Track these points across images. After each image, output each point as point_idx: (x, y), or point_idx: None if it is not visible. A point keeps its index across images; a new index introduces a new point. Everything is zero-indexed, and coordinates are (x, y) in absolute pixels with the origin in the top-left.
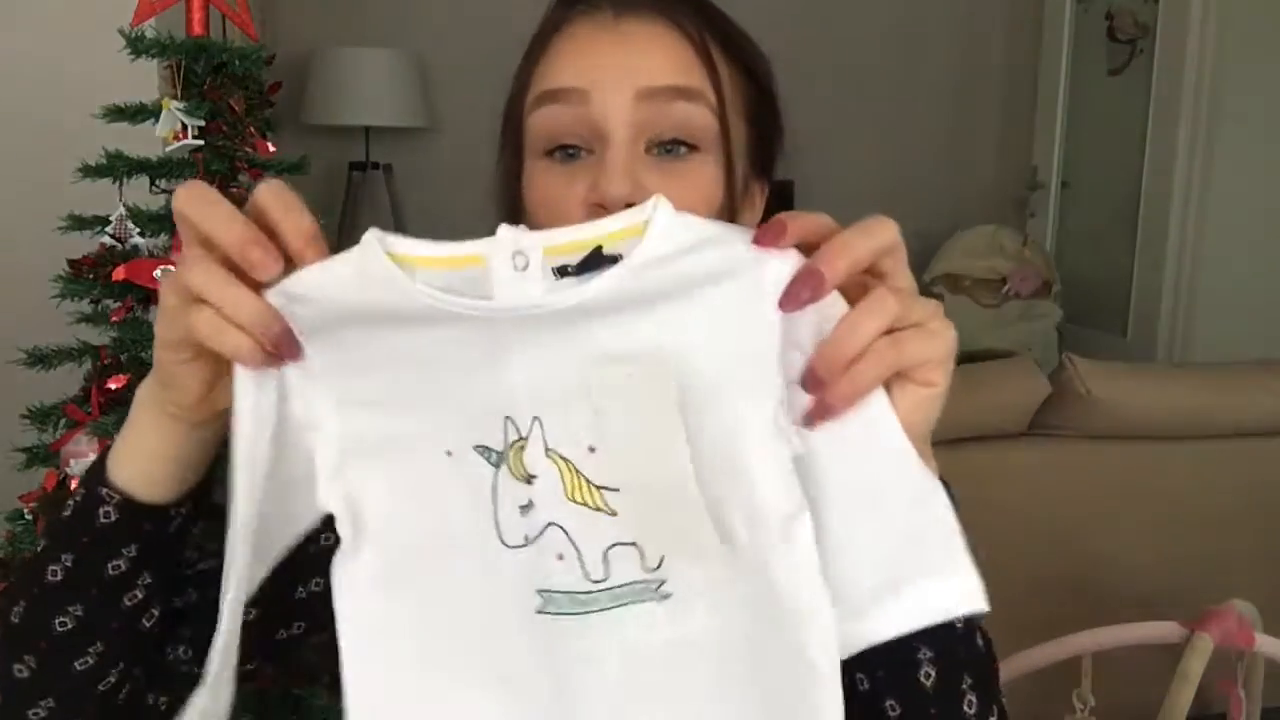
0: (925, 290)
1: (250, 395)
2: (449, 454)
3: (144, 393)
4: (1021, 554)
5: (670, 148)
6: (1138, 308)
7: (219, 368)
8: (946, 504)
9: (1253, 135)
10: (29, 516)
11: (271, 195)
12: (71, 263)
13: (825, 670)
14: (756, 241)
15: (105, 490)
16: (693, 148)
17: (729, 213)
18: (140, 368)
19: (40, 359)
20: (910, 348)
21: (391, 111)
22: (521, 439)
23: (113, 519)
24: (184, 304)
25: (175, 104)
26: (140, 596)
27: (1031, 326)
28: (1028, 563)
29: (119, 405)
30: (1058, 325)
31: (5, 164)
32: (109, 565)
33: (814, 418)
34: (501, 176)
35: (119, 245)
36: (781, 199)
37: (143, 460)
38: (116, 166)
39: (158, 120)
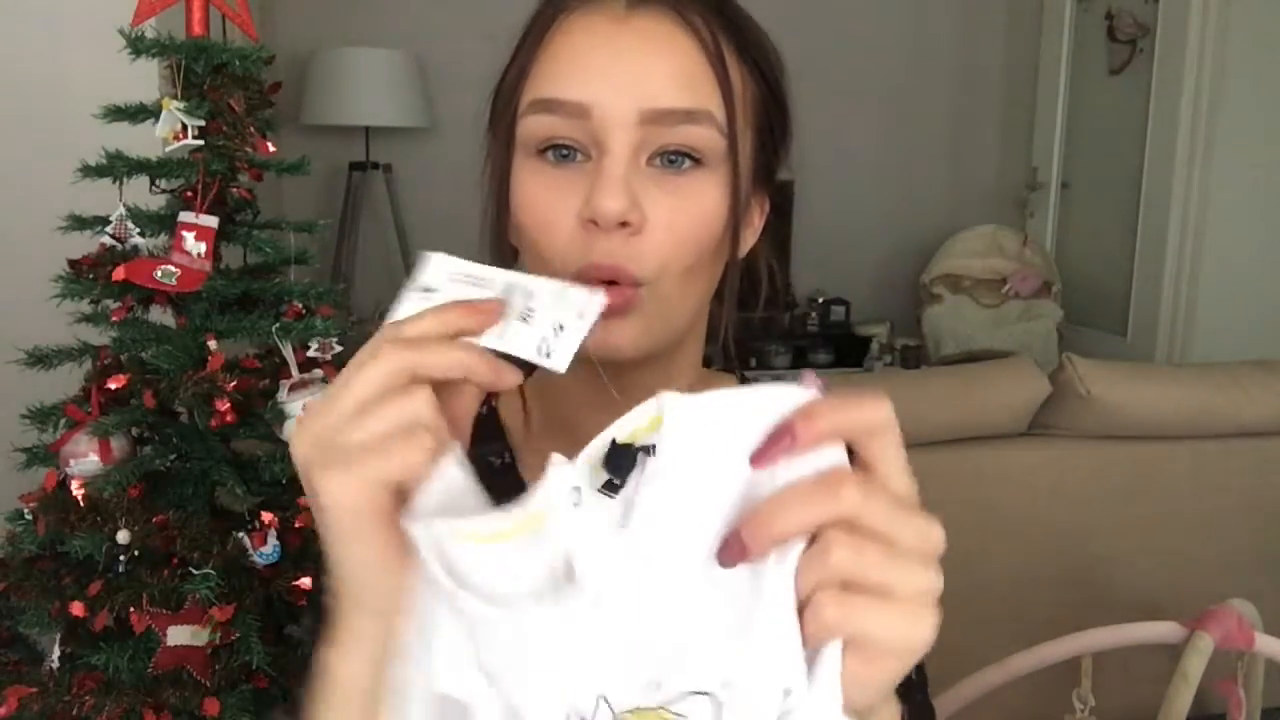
0: (925, 290)
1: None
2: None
3: (339, 637)
4: (1021, 554)
5: (673, 159)
6: (1138, 308)
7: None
8: None
9: (1253, 135)
10: (29, 516)
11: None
12: (71, 263)
13: None
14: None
15: None
16: (696, 161)
17: (731, 231)
18: (140, 368)
19: (40, 359)
20: (860, 618)
21: (391, 111)
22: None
23: None
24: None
25: (175, 104)
26: None
27: (1031, 326)
28: (1027, 563)
29: (119, 405)
30: (1058, 325)
31: (5, 164)
32: None
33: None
34: (490, 172)
35: (119, 245)
36: (781, 199)
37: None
38: (116, 166)
39: (158, 120)
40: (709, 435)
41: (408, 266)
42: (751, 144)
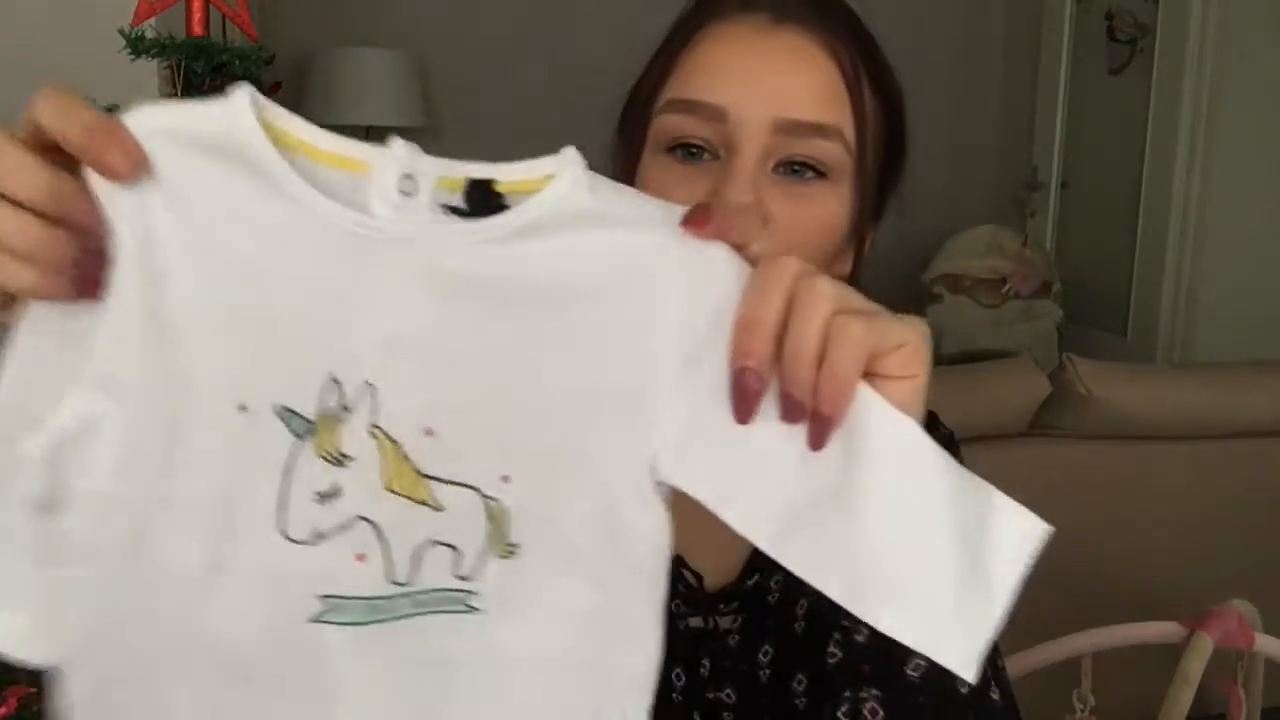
0: (925, 290)
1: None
2: (242, 409)
3: None
4: None
5: (797, 169)
6: (1138, 308)
7: None
8: (976, 479)
9: (1253, 135)
10: None
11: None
12: None
13: (643, 694)
14: (687, 224)
15: None
16: (821, 175)
17: (844, 250)
18: None
19: None
20: (880, 324)
21: (391, 111)
22: (344, 408)
23: None
24: None
25: None
26: None
27: (1031, 326)
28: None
29: None
30: (1058, 325)
31: None
32: None
33: (815, 441)
34: (618, 169)
35: None
36: None
37: None
38: None
39: None
40: (588, 216)
41: None
42: (872, 169)
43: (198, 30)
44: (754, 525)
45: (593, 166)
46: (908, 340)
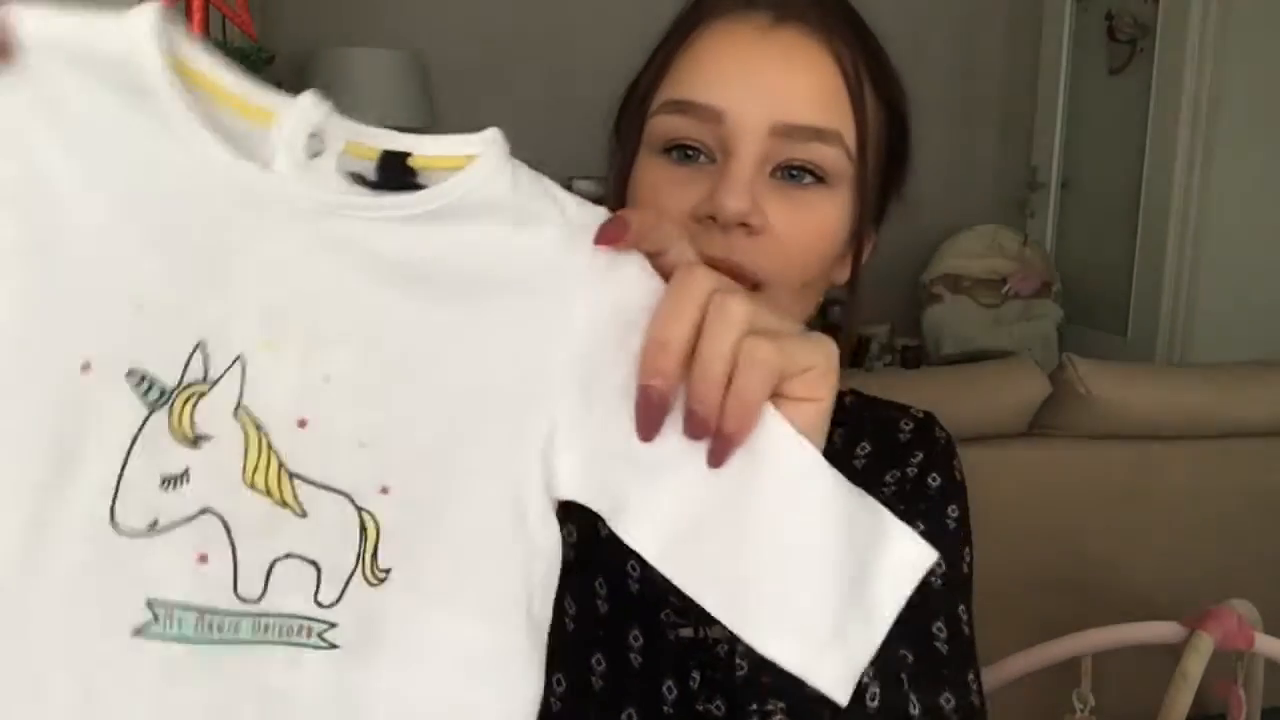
0: (925, 290)
1: None
2: (86, 367)
3: None
4: (1021, 554)
5: (795, 173)
6: (1138, 308)
7: None
8: (873, 505)
9: (1253, 135)
10: None
11: None
12: None
13: None
14: (600, 240)
15: None
16: (820, 180)
17: (843, 255)
18: None
19: None
20: (789, 347)
21: (391, 111)
22: (207, 381)
23: None
24: None
25: None
26: None
27: (1031, 326)
28: (1028, 563)
29: None
30: (1058, 325)
31: None
32: None
33: (716, 458)
34: (613, 170)
35: None
36: None
37: None
38: None
39: None
40: (505, 206)
41: None
42: (873, 173)
43: (197, 30)
44: (645, 539)
45: (596, 166)
46: (815, 364)
